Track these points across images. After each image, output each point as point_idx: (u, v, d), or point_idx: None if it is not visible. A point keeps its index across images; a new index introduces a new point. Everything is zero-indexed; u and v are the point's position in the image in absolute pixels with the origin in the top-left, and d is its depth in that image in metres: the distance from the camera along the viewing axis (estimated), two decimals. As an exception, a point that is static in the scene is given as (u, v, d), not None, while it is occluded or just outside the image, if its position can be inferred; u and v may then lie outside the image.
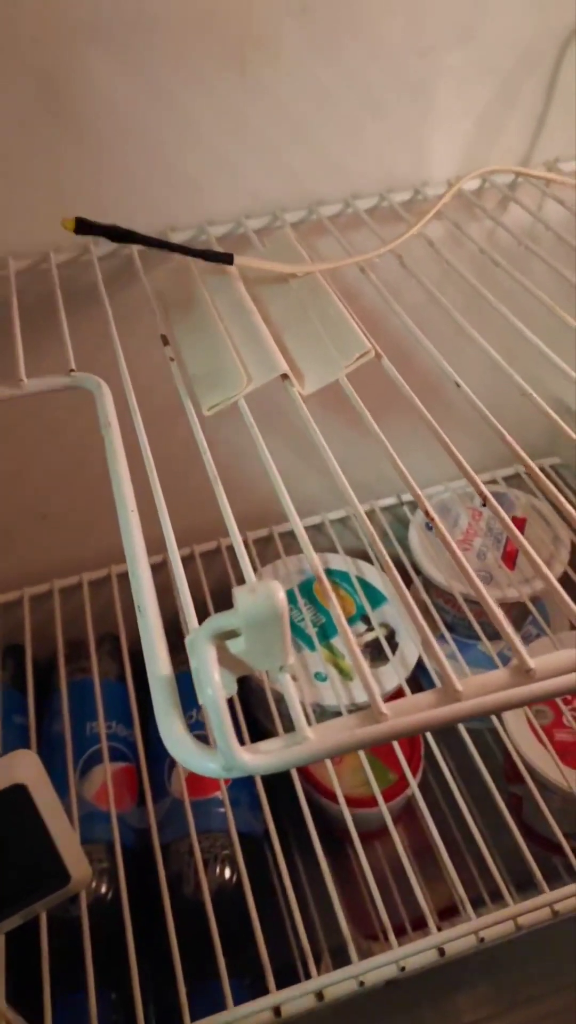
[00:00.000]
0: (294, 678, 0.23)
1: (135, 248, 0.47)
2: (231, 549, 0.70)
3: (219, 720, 0.21)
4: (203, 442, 0.33)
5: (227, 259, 0.40)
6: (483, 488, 0.30)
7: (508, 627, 0.25)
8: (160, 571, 0.41)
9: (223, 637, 0.22)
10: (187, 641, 0.23)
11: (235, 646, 0.22)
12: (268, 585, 0.22)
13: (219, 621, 0.22)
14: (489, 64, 0.52)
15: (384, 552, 0.29)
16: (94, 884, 0.51)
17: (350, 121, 0.51)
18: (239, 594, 0.22)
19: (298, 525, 0.30)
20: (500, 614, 0.26)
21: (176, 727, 0.22)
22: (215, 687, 0.21)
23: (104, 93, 0.45)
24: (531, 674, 0.23)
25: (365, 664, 0.24)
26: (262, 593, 0.22)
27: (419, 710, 0.22)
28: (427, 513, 0.29)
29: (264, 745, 0.22)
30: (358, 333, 0.37)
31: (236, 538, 0.29)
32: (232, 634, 0.22)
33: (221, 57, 0.46)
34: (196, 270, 0.43)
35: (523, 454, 0.33)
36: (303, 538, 0.29)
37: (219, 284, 0.42)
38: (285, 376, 0.35)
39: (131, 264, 0.46)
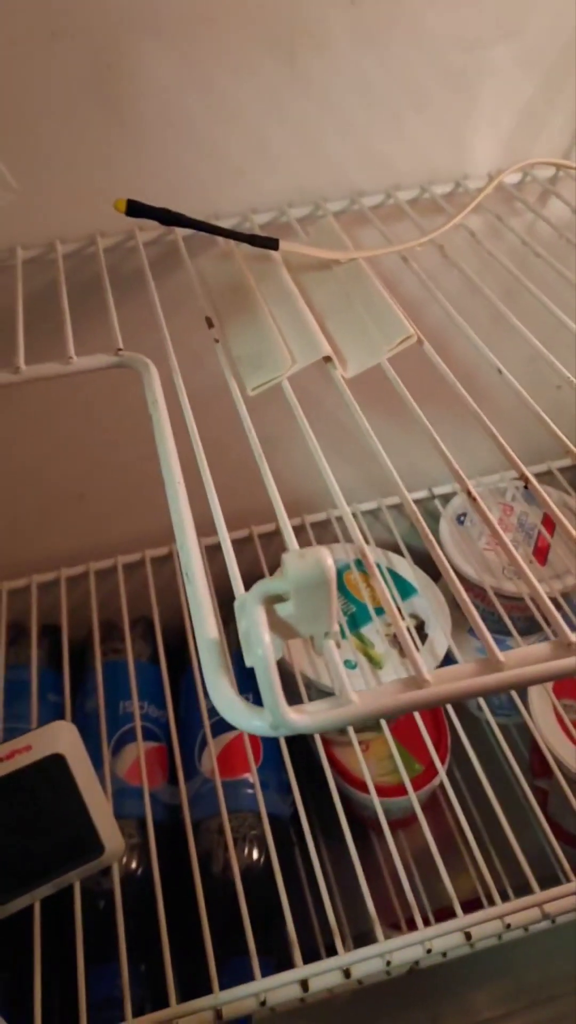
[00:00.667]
0: (338, 645, 0.24)
1: (180, 234, 0.48)
2: (262, 537, 0.71)
3: (269, 679, 0.22)
4: (247, 421, 0.34)
5: (273, 244, 0.41)
6: (524, 469, 0.31)
7: (550, 604, 0.25)
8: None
9: (272, 601, 0.23)
10: (236, 604, 0.24)
11: (283, 610, 0.23)
12: (318, 550, 0.22)
13: (269, 584, 0.23)
14: (533, 58, 0.53)
15: (428, 532, 0.29)
16: (124, 859, 0.52)
17: (393, 113, 0.52)
18: (289, 559, 0.22)
19: (345, 510, 0.30)
20: (542, 591, 0.26)
21: (225, 687, 0.23)
22: (265, 647, 0.22)
23: (154, 82, 0.46)
24: (572, 647, 0.24)
25: (407, 633, 0.25)
26: (311, 558, 0.22)
27: (462, 678, 0.23)
28: (469, 493, 0.30)
29: (310, 706, 0.23)
30: (401, 318, 0.37)
31: (282, 515, 0.30)
32: (280, 598, 0.23)
33: (269, 48, 0.47)
34: (240, 257, 0.44)
35: (566, 440, 0.33)
36: (350, 521, 0.30)
37: (263, 270, 0.43)
38: (328, 359, 0.36)
39: (175, 250, 0.47)
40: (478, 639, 0.68)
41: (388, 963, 0.40)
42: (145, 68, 0.45)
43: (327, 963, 0.40)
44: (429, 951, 0.41)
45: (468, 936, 0.41)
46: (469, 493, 0.30)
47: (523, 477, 0.30)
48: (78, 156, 0.47)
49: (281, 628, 0.23)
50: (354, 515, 0.73)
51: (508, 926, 0.42)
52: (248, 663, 0.23)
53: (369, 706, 0.22)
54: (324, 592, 0.22)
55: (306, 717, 0.22)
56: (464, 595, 0.26)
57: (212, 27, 0.45)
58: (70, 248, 0.49)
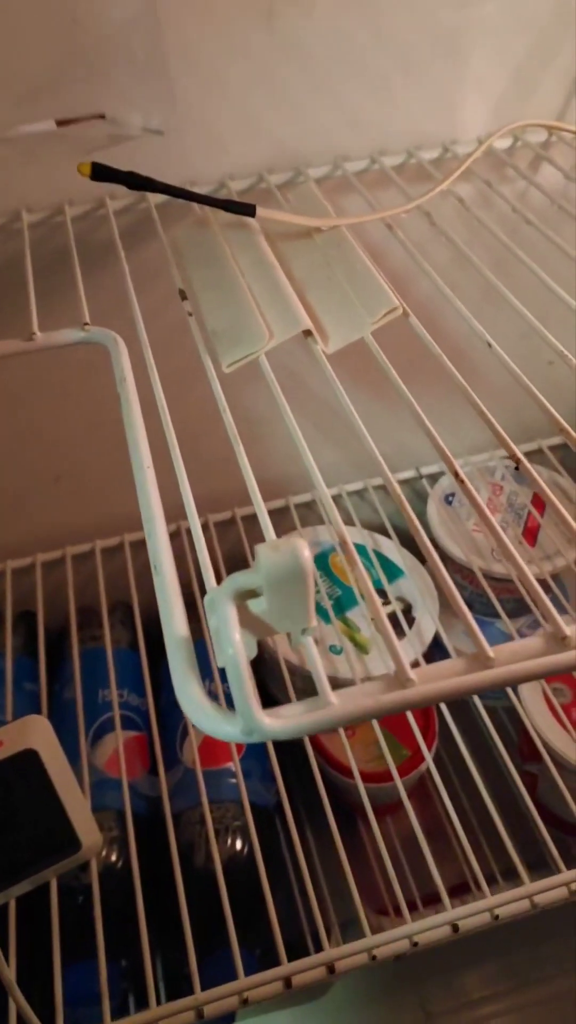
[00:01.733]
0: (316, 642, 0.22)
1: (152, 201, 0.45)
2: (245, 519, 0.69)
3: (240, 681, 0.20)
4: (222, 400, 0.32)
5: (249, 211, 0.39)
6: (515, 449, 0.29)
7: (541, 592, 0.24)
8: (174, 540, 0.39)
9: (244, 596, 0.21)
10: (206, 600, 0.22)
11: (256, 606, 0.21)
12: (293, 542, 0.21)
13: (240, 579, 0.21)
14: (524, 18, 0.50)
15: (414, 517, 0.28)
16: (104, 852, 0.51)
17: (379, 73, 0.49)
18: (262, 551, 0.20)
19: (326, 495, 0.28)
20: (534, 581, 0.25)
21: (193, 689, 0.21)
22: (236, 647, 0.20)
23: (123, 35, 0.43)
24: (567, 641, 0.22)
25: (390, 628, 0.23)
26: (286, 550, 0.20)
27: (447, 676, 0.21)
28: (456, 475, 0.28)
29: (285, 710, 0.21)
30: (385, 289, 0.35)
31: (258, 501, 0.28)
32: (253, 593, 0.21)
33: (248, 5, 0.44)
34: (216, 225, 0.42)
35: (558, 416, 0.31)
36: (331, 507, 0.28)
37: (240, 239, 0.40)
38: (308, 333, 0.34)
39: (148, 219, 0.45)
40: (456, 593, 0.67)
41: (373, 957, 0.39)
42: (111, 19, 0.42)
43: (310, 960, 0.39)
44: (415, 944, 0.40)
45: (455, 928, 0.40)
46: (457, 475, 0.28)
47: (514, 458, 0.28)
48: (47, 115, 0.44)
49: (254, 625, 0.22)
50: (340, 496, 0.71)
51: (497, 917, 0.41)
52: (219, 663, 0.21)
53: (349, 709, 0.21)
54: (300, 586, 0.21)
55: (281, 722, 0.20)
56: (451, 585, 0.24)
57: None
58: (37, 217, 0.46)
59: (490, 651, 0.22)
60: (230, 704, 0.21)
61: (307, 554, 0.21)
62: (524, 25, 0.50)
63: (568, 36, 0.51)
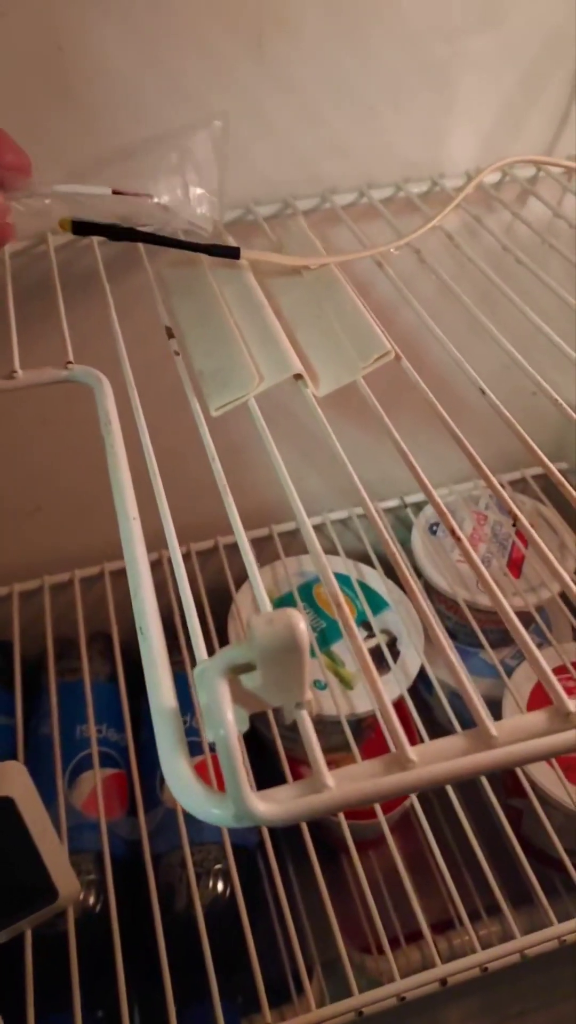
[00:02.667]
0: (310, 715, 0.21)
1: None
2: (228, 548, 0.68)
3: (231, 764, 0.19)
4: (211, 446, 0.31)
5: (234, 253, 0.38)
6: (513, 508, 0.28)
7: (543, 664, 0.23)
8: (155, 569, 0.38)
9: (237, 671, 0.20)
10: (195, 672, 0.21)
11: (249, 681, 0.20)
12: (287, 614, 0.20)
13: (232, 653, 0.20)
14: (514, 52, 0.50)
15: (397, 551, 0.27)
16: (82, 896, 0.49)
17: (368, 106, 0.49)
18: (256, 624, 0.20)
19: (308, 528, 0.27)
20: (528, 641, 0.24)
21: (182, 769, 0.20)
22: (228, 727, 0.19)
23: (111, 67, 0.42)
24: (571, 718, 0.21)
25: (390, 708, 0.22)
26: (281, 623, 0.19)
27: (449, 757, 0.20)
28: (453, 531, 0.27)
29: (279, 793, 0.20)
30: (377, 332, 0.35)
31: (243, 541, 0.27)
32: (246, 667, 0.20)
33: (237, 36, 0.44)
34: (204, 260, 0.41)
35: (542, 455, 0.31)
36: (313, 543, 0.27)
37: (228, 275, 0.39)
38: (299, 376, 0.33)
39: (134, 250, 0.44)
40: (452, 655, 0.66)
41: (360, 1013, 0.38)
42: (103, 52, 0.42)
43: (299, 1021, 0.38)
44: (403, 999, 0.39)
45: (444, 983, 0.39)
46: (440, 512, 0.27)
47: (512, 515, 0.28)
48: (26, 146, 0.43)
49: (246, 700, 0.21)
50: (324, 524, 0.71)
51: (486, 970, 0.40)
52: (208, 738, 0.20)
53: (347, 793, 0.20)
54: (295, 659, 0.20)
55: (274, 807, 0.19)
56: (441, 634, 0.23)
57: (175, 9, 0.42)
58: (18, 246, 0.45)
59: (493, 728, 0.21)
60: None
61: (303, 627, 0.20)
62: (513, 60, 0.50)
63: (556, 71, 0.51)
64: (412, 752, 0.20)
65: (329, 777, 0.20)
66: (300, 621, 0.20)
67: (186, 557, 0.66)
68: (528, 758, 0.20)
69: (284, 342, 0.34)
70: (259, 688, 0.20)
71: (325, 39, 0.45)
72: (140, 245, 0.43)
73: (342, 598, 0.26)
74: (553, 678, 0.22)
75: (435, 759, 0.20)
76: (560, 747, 0.20)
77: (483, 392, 0.34)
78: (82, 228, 0.36)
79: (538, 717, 0.21)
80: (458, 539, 0.27)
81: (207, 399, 0.33)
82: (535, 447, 0.32)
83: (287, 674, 0.20)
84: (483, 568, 0.26)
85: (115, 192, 0.36)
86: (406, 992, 0.38)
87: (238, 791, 0.19)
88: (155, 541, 0.28)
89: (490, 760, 0.20)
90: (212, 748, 0.49)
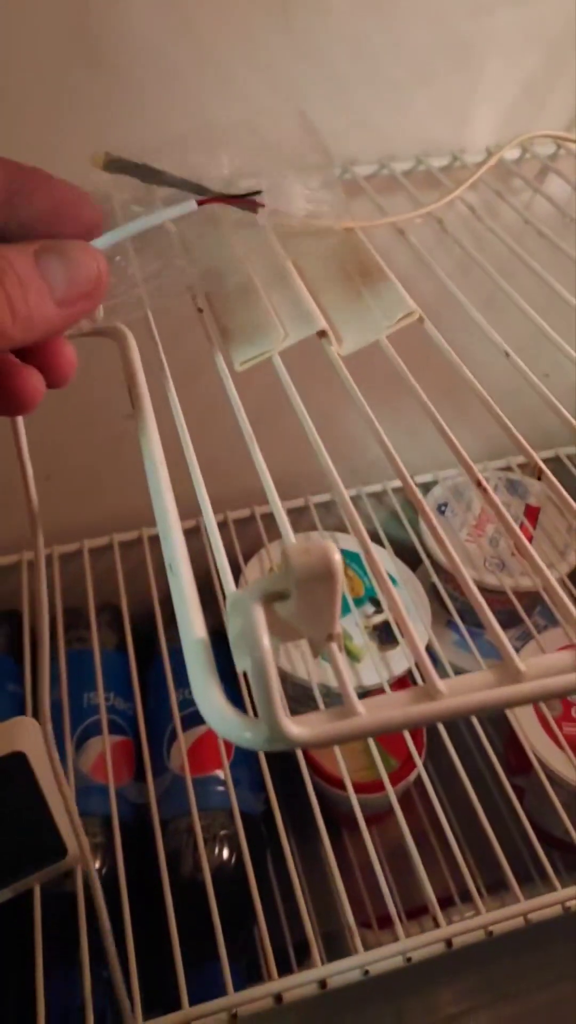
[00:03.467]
0: (340, 649, 0.21)
1: (159, 196, 0.44)
2: (237, 523, 0.68)
3: (266, 686, 0.19)
4: (235, 396, 0.31)
5: (251, 206, 0.38)
6: (536, 457, 0.28)
7: (568, 601, 0.23)
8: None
9: (271, 599, 0.20)
10: (228, 601, 0.21)
11: (283, 609, 0.20)
12: (323, 545, 0.20)
13: (269, 581, 0.20)
14: (538, 29, 0.50)
15: (427, 509, 0.27)
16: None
17: (392, 81, 0.49)
18: (293, 552, 0.20)
19: (344, 496, 0.28)
20: (551, 576, 0.24)
21: (214, 693, 0.20)
22: (263, 651, 0.19)
23: (139, 34, 0.42)
24: (599, 654, 0.21)
25: (424, 653, 0.22)
26: (317, 552, 0.20)
27: (478, 689, 0.21)
28: (479, 483, 0.27)
29: (310, 718, 0.20)
30: (402, 292, 0.35)
31: (275, 500, 0.27)
32: (280, 596, 0.20)
33: (265, 6, 0.44)
34: (227, 223, 0.41)
35: (571, 419, 0.31)
36: (349, 509, 0.27)
37: (251, 237, 0.39)
38: (323, 334, 0.33)
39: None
40: (458, 633, 0.67)
41: (367, 973, 0.38)
42: (133, 24, 0.42)
43: (303, 976, 0.38)
44: (409, 959, 0.39)
45: (449, 944, 0.39)
46: (479, 484, 0.27)
47: (536, 468, 0.28)
48: (56, 114, 0.44)
49: (280, 629, 0.21)
50: (333, 503, 0.71)
51: (491, 933, 0.40)
52: (240, 668, 0.20)
53: (376, 719, 0.20)
54: (330, 589, 0.20)
55: (307, 730, 0.20)
56: (477, 594, 0.24)
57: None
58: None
59: (521, 663, 0.21)
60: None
61: (337, 557, 0.20)
62: (536, 38, 0.51)
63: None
64: (441, 684, 0.20)
65: (360, 705, 0.20)
66: (335, 552, 0.20)
67: (196, 530, 0.66)
68: (557, 692, 0.20)
69: (308, 300, 0.34)
70: (292, 617, 0.21)
71: (351, 11, 0.45)
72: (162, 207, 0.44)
73: (356, 515, 0.26)
74: (571, 606, 0.23)
75: (463, 691, 0.20)
76: (588, 680, 0.21)
77: (507, 355, 0.34)
78: (115, 165, 0.36)
79: (566, 655, 0.21)
80: (483, 489, 0.27)
81: (232, 354, 0.33)
82: (554, 399, 0.32)
83: (320, 604, 0.20)
84: (515, 528, 0.26)
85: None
86: (411, 951, 0.38)
87: (271, 713, 0.19)
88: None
89: (518, 693, 0.20)
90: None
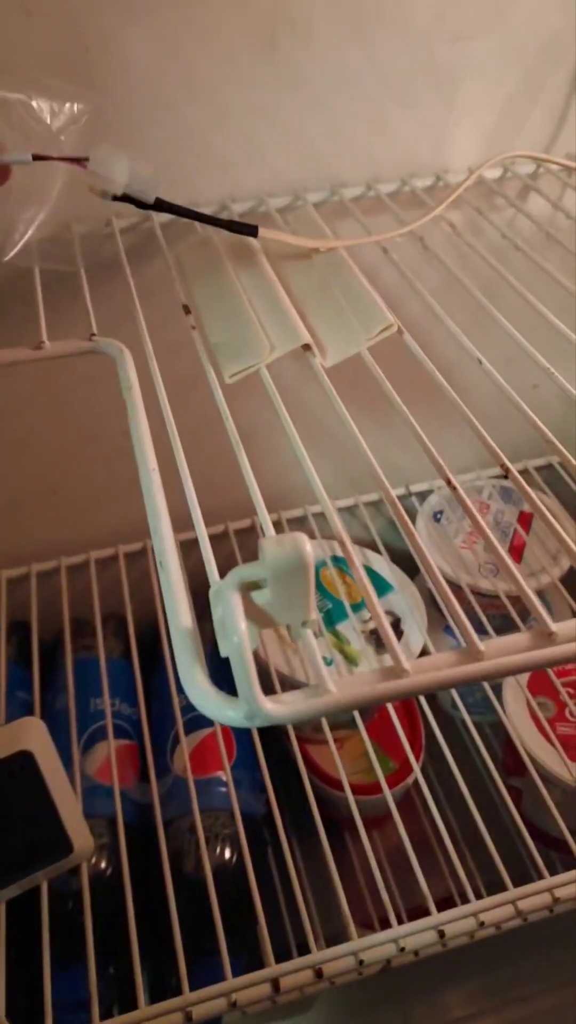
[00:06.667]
0: (316, 635, 0.23)
1: (157, 221, 0.47)
2: (238, 533, 0.70)
3: (245, 668, 0.21)
4: (225, 409, 0.33)
5: (252, 231, 0.40)
6: (504, 459, 0.30)
7: (532, 595, 0.25)
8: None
9: (248, 588, 0.22)
10: (211, 591, 0.23)
11: (260, 597, 0.22)
12: (296, 536, 0.22)
13: (245, 570, 0.22)
14: (515, 53, 0.52)
15: (408, 520, 0.29)
16: (94, 859, 0.51)
17: (375, 105, 0.51)
18: (266, 544, 0.22)
19: (328, 505, 0.30)
20: (522, 581, 0.26)
21: (198, 676, 0.22)
22: (241, 635, 0.21)
23: (134, 67, 0.45)
24: (552, 637, 0.23)
25: (385, 622, 0.24)
26: (290, 543, 0.22)
27: (441, 667, 0.22)
28: (449, 482, 0.29)
29: (286, 696, 0.22)
30: (381, 307, 0.37)
31: (259, 502, 0.29)
32: (256, 585, 0.22)
33: (252, 36, 0.46)
34: (219, 244, 0.43)
35: (546, 430, 0.33)
36: (333, 517, 0.29)
37: (242, 258, 0.42)
38: (307, 347, 0.36)
39: (153, 237, 0.46)
40: (454, 637, 0.68)
41: (360, 961, 0.40)
42: (127, 52, 0.44)
43: (298, 962, 0.39)
44: (402, 949, 0.40)
45: (441, 934, 0.41)
46: (449, 482, 0.29)
47: (503, 467, 0.30)
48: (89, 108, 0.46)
49: (257, 616, 0.23)
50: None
51: (482, 923, 0.41)
52: (223, 652, 0.22)
53: (347, 695, 0.22)
54: (302, 578, 0.22)
55: (282, 707, 0.21)
56: (442, 581, 0.25)
57: (194, 11, 0.44)
58: (44, 233, 0.47)
59: (481, 645, 0.23)
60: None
61: (309, 548, 0.22)
62: (513, 61, 0.53)
63: (556, 72, 0.54)
64: (407, 663, 0.22)
65: (332, 683, 0.22)
66: (307, 543, 0.22)
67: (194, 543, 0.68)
68: (512, 669, 0.22)
69: (294, 316, 0.37)
70: (269, 605, 0.22)
71: (334, 39, 0.48)
72: (159, 232, 0.46)
73: (339, 521, 0.28)
74: (539, 604, 0.24)
75: (428, 670, 0.22)
76: (541, 660, 0.22)
77: (480, 362, 0.36)
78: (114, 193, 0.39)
79: (522, 637, 0.23)
80: (453, 487, 0.29)
81: (222, 368, 0.35)
82: (528, 410, 0.34)
83: (294, 592, 0.22)
84: (487, 528, 0.28)
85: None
86: (403, 938, 0.40)
87: (251, 692, 0.21)
88: (174, 522, 0.30)
89: (477, 671, 0.22)
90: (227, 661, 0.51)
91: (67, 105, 0.39)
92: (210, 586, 0.26)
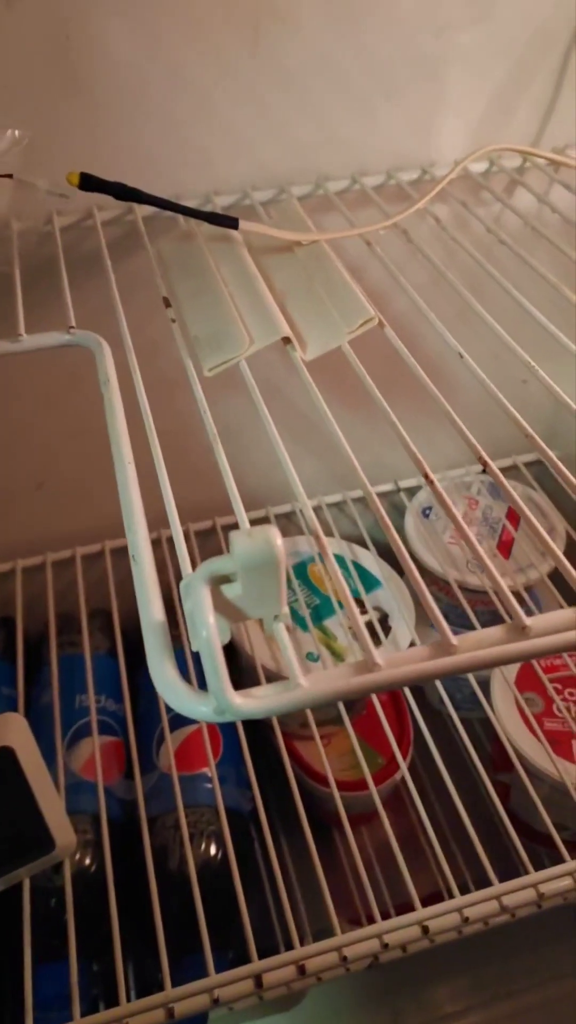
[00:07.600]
0: (288, 628, 0.23)
1: (139, 214, 0.47)
2: (226, 528, 0.70)
3: (213, 662, 0.21)
4: (203, 401, 0.33)
5: (232, 223, 0.40)
6: (481, 451, 0.30)
7: (502, 582, 0.25)
8: (155, 548, 0.40)
9: (218, 581, 0.22)
10: (182, 585, 0.23)
11: (230, 591, 0.22)
12: (266, 529, 0.21)
13: (215, 564, 0.22)
14: (502, 46, 0.52)
15: (387, 518, 0.29)
16: (78, 855, 0.51)
17: (361, 97, 0.51)
18: (236, 537, 0.21)
19: (306, 503, 0.29)
20: (496, 573, 0.26)
21: (168, 670, 0.22)
22: (210, 629, 0.21)
23: (116, 58, 0.45)
24: (526, 631, 0.23)
25: (357, 615, 0.24)
26: (260, 537, 0.21)
27: (414, 661, 0.22)
28: (426, 476, 0.29)
29: (257, 690, 0.22)
30: (362, 300, 0.37)
31: (234, 494, 0.29)
32: (227, 579, 0.22)
33: (236, 26, 0.46)
34: (201, 237, 0.43)
35: (525, 424, 0.32)
36: (309, 514, 0.29)
37: (224, 251, 0.42)
38: (287, 340, 0.35)
39: (135, 231, 0.46)
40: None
41: (344, 958, 0.40)
42: (108, 44, 0.44)
43: (281, 958, 0.39)
44: (386, 945, 0.40)
45: (425, 929, 0.41)
46: (426, 476, 0.29)
47: (481, 461, 0.29)
48: (36, 133, 0.46)
49: (228, 610, 0.22)
50: (320, 507, 0.72)
51: (466, 919, 0.41)
52: (193, 646, 0.22)
53: (319, 690, 0.21)
54: (273, 572, 0.22)
55: (252, 701, 0.21)
56: (416, 573, 0.25)
57: (176, 2, 0.44)
58: (25, 225, 0.47)
59: (454, 639, 0.23)
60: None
61: (279, 542, 0.22)
62: (501, 54, 0.53)
63: (543, 65, 0.54)
64: (379, 658, 0.22)
65: (303, 678, 0.22)
66: (277, 536, 0.22)
67: (184, 535, 0.68)
68: (486, 663, 0.22)
69: (274, 310, 0.36)
70: (239, 599, 0.22)
71: (319, 30, 0.47)
72: (141, 224, 0.46)
73: (314, 517, 0.27)
74: (512, 598, 0.24)
75: (400, 664, 0.22)
76: (513, 654, 0.22)
77: (461, 356, 0.35)
78: (89, 184, 0.38)
79: (496, 630, 0.23)
80: (431, 482, 0.29)
81: (202, 361, 0.35)
82: (509, 406, 0.33)
83: (265, 586, 0.22)
84: (462, 521, 0.28)
85: None
86: (387, 935, 0.39)
87: (220, 687, 0.21)
88: (154, 522, 0.29)
89: (450, 665, 0.22)
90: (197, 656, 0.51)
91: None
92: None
